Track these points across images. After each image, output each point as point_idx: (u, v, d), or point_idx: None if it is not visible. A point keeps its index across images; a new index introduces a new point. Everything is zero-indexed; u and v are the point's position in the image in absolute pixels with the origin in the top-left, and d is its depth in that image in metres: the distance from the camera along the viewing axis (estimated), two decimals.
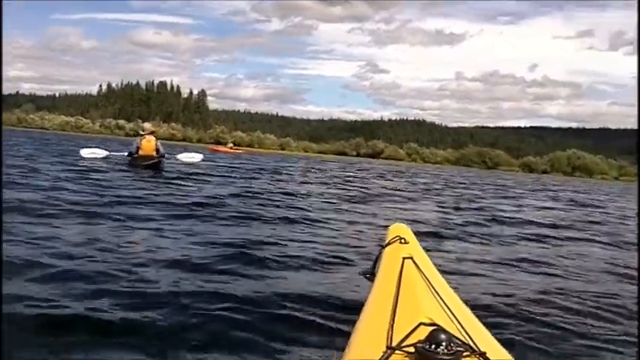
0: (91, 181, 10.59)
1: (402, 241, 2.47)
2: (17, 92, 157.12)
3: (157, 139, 15.12)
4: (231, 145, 55.76)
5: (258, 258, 4.87)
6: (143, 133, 15.15)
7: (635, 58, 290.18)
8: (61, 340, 2.77)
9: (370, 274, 2.56)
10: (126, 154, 15.78)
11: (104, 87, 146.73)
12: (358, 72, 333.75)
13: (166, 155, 15.22)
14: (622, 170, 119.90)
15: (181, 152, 20.17)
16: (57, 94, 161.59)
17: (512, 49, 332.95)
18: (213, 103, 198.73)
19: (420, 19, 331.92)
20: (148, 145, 14.79)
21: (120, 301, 3.37)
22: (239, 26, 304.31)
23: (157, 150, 14.78)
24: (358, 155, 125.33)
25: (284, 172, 22.59)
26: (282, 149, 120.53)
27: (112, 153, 16.93)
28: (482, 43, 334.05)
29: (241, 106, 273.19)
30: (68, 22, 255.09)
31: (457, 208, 11.87)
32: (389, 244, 2.51)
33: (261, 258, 4.89)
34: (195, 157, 18.85)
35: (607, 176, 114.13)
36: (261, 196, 10.24)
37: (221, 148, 54.02)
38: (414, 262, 2.17)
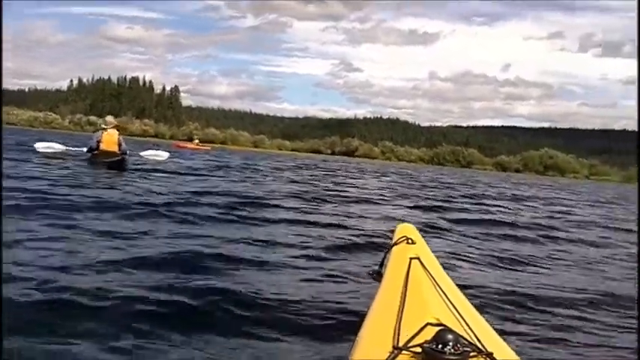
0: (38, 178, 9.80)
1: (409, 241, 2.46)
2: None
3: (120, 134, 13.94)
4: (197, 141, 54.11)
5: (244, 259, 4.70)
6: (106, 126, 13.81)
7: (603, 60, 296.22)
8: None
9: (377, 274, 2.54)
10: (85, 149, 14.40)
11: (75, 82, 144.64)
12: (332, 70, 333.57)
13: (128, 152, 14.05)
14: (593, 169, 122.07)
15: (146, 149, 19.30)
16: (27, 89, 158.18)
17: (484, 50, 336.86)
18: (186, 100, 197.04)
19: (395, 19, 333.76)
20: (110, 138, 13.50)
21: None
22: (213, 22, 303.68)
23: (120, 145, 13.54)
24: (333, 153, 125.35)
25: (252, 170, 21.75)
26: (256, 147, 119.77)
27: (70, 148, 15.93)
28: (456, 44, 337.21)
29: (215, 103, 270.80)
30: (37, 16, 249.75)
31: (427, 207, 11.49)
32: (396, 244, 2.50)
33: (252, 259, 4.72)
34: (161, 155, 17.83)
35: (578, 175, 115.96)
36: (229, 197, 9.62)
37: (187, 144, 52.50)
38: (421, 263, 2.17)
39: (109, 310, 3.08)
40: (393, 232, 2.69)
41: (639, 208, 12.12)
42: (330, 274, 4.53)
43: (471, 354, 1.51)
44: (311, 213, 8.77)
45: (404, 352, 1.54)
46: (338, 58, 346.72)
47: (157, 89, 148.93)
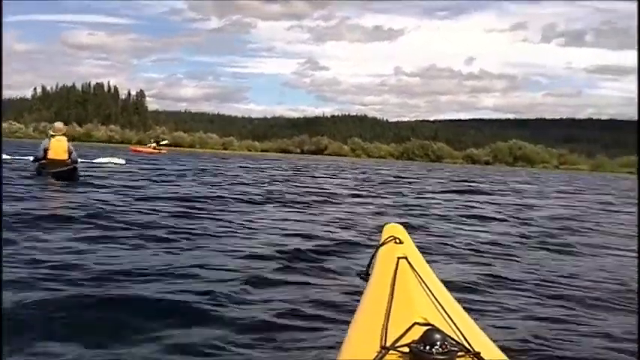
0: None
1: (397, 241, 2.45)
2: None
3: (69, 140, 12.75)
4: (154, 145, 52.28)
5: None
6: (54, 133, 12.56)
7: (566, 49, 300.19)
8: None
9: (365, 274, 2.54)
10: (31, 159, 13.34)
11: (39, 90, 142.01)
12: (298, 69, 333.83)
13: (79, 161, 13.05)
14: (562, 159, 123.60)
15: (101, 156, 18.79)
16: None
17: (448, 44, 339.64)
18: (152, 104, 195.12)
19: (358, 16, 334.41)
20: (59, 145, 12.31)
21: None
22: (177, 25, 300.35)
23: (70, 153, 12.44)
24: (302, 152, 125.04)
25: (212, 173, 21.09)
26: (225, 149, 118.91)
27: (14, 157, 15.23)
28: (420, 39, 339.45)
29: (182, 106, 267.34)
30: None
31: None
32: (383, 243, 2.48)
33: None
34: (116, 162, 17.22)
35: (548, 165, 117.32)
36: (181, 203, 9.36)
37: (143, 148, 50.91)
38: (409, 262, 2.16)
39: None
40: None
41: (639, 202, 12.15)
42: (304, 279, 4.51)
43: (459, 354, 1.51)
44: (268, 218, 8.55)
45: (391, 352, 1.53)
46: (304, 57, 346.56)
47: (123, 95, 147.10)
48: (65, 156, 12.39)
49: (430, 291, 1.95)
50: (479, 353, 1.53)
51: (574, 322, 3.75)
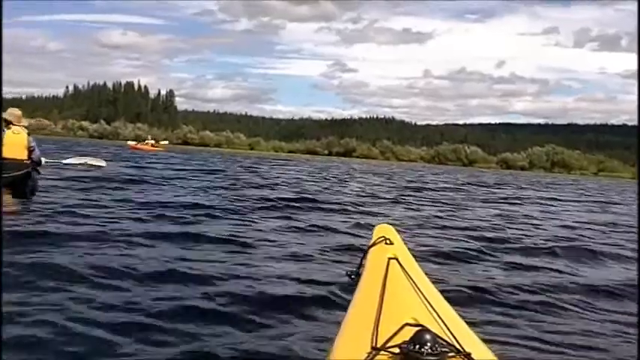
0: None
1: (387, 241, 2.45)
2: None
3: (30, 134, 9.17)
4: (152, 142, 53.09)
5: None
6: (9, 118, 8.83)
7: (600, 54, 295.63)
8: None
9: (355, 275, 2.54)
10: None
11: (70, 89, 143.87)
12: (326, 71, 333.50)
13: (44, 161, 9.76)
14: (601, 165, 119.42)
15: (78, 155, 16.67)
16: (24, 97, 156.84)
17: (479, 47, 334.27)
18: (182, 104, 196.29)
19: (387, 19, 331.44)
20: (16, 139, 8.76)
21: None
22: (207, 26, 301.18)
23: (30, 150, 9.01)
24: (330, 154, 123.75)
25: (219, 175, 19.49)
26: (252, 149, 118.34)
27: None
28: (450, 41, 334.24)
29: (210, 107, 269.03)
30: (33, 24, 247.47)
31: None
32: (374, 244, 2.49)
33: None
34: (92, 163, 14.32)
35: (586, 172, 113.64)
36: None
37: (141, 145, 51.41)
38: (399, 263, 2.18)
39: None
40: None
41: (639, 208, 11.22)
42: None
43: (449, 354, 1.51)
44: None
45: (382, 352, 1.54)
46: (332, 59, 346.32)
47: (153, 94, 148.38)
48: (23, 154, 8.98)
49: (421, 292, 1.96)
50: (469, 354, 1.53)
51: (567, 323, 3.80)
